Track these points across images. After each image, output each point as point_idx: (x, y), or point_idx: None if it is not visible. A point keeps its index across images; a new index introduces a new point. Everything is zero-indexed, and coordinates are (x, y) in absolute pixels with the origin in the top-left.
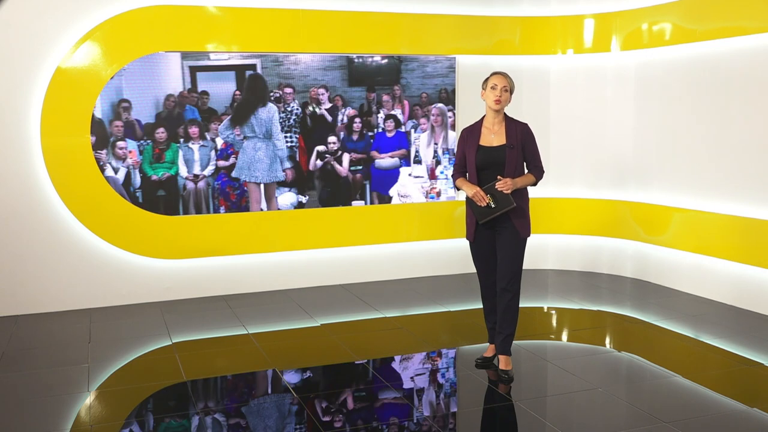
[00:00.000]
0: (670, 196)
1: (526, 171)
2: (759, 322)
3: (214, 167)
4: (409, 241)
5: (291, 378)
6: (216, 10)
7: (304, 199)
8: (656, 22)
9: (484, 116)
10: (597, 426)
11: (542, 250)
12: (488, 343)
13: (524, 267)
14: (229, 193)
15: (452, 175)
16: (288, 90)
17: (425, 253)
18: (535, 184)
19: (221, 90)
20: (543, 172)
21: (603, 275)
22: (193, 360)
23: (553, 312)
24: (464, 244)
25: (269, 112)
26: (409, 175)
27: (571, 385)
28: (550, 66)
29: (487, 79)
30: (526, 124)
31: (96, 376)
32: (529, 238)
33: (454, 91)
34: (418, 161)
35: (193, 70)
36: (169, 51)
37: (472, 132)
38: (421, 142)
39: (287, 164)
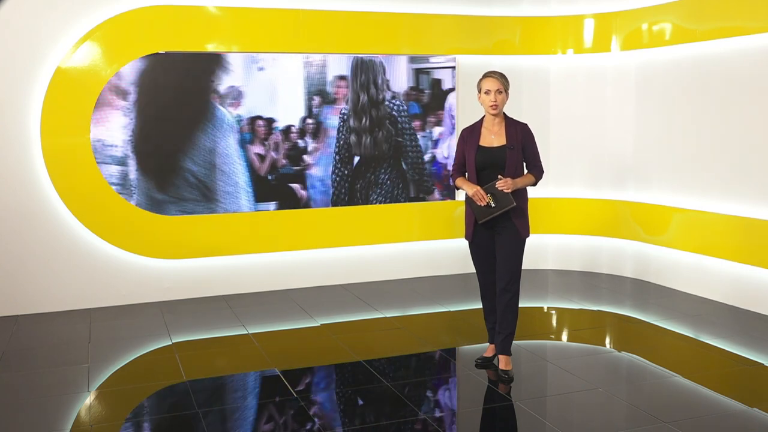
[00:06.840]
0: (670, 196)
1: (525, 171)
2: (759, 322)
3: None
4: (409, 241)
5: (291, 378)
6: (216, 10)
7: None
8: (656, 22)
9: (484, 116)
10: (597, 426)
11: (542, 250)
12: (488, 343)
13: (524, 267)
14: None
15: (451, 175)
16: None
17: (425, 253)
18: (534, 185)
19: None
20: (543, 172)
21: (603, 275)
22: (193, 360)
23: (553, 312)
24: (464, 244)
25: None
26: None
27: (571, 385)
28: (550, 66)
29: (480, 82)
30: (526, 125)
31: (96, 376)
32: (528, 238)
33: None
34: None
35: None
36: (169, 51)
37: (472, 132)
38: None
39: None
